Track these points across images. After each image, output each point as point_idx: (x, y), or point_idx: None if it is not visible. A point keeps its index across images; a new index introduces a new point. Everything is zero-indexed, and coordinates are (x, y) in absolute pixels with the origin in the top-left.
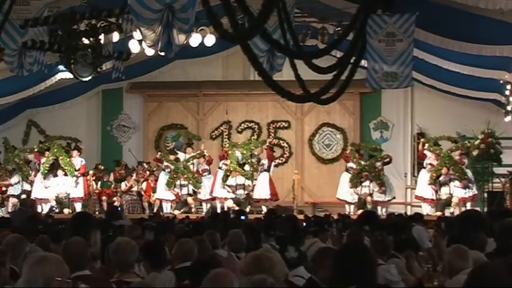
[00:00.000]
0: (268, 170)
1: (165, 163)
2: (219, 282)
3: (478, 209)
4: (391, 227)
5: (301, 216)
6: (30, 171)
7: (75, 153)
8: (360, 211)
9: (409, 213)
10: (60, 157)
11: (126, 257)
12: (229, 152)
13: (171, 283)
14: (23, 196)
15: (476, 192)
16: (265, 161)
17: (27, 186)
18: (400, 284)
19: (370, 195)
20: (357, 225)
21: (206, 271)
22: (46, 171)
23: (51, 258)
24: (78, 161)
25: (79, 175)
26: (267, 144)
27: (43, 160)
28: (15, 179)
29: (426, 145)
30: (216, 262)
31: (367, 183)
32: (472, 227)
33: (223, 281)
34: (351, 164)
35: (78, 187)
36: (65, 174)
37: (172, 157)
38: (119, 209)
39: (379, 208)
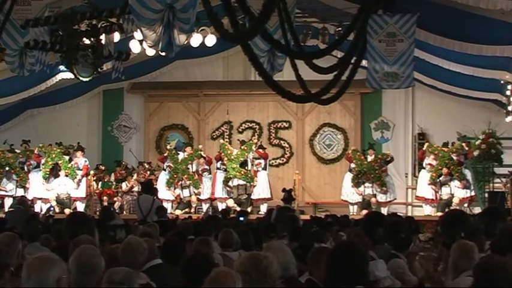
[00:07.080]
0: (265, 169)
1: (167, 163)
2: (221, 281)
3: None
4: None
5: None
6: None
7: (79, 153)
8: (364, 211)
9: (409, 213)
10: (60, 162)
11: (135, 258)
12: (225, 159)
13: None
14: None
15: (474, 193)
16: (261, 160)
17: (20, 192)
18: (387, 280)
19: (374, 196)
20: (363, 227)
21: (199, 271)
22: (47, 175)
23: (55, 259)
24: (82, 161)
25: (81, 177)
26: (254, 148)
27: (43, 161)
28: (10, 185)
29: (425, 146)
30: (209, 261)
31: (369, 183)
32: (455, 227)
33: (226, 280)
34: (354, 165)
35: (80, 188)
36: (66, 175)
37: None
38: (112, 209)
39: (381, 209)
